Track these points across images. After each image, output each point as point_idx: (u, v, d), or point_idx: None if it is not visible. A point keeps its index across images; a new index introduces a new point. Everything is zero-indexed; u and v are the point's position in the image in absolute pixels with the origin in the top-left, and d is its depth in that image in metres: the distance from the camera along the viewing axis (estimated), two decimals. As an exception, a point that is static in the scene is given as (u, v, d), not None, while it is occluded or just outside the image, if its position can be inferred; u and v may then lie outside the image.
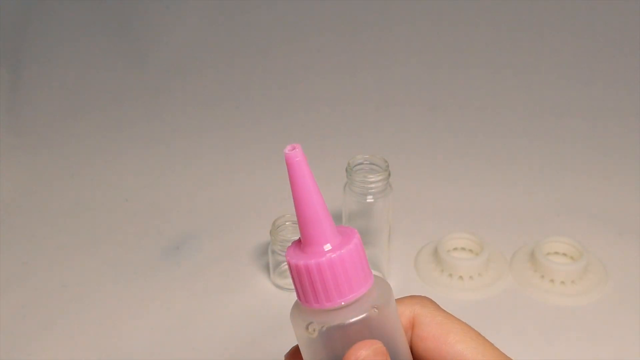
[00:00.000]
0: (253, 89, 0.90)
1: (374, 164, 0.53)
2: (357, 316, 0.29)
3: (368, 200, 0.52)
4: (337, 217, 0.63)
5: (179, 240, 0.63)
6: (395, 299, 0.31)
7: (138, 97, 0.89)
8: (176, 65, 0.94)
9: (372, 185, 0.51)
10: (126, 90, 0.90)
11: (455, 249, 0.60)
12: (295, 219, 0.57)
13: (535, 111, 0.83)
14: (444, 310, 0.32)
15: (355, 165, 0.52)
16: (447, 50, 0.93)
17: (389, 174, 0.52)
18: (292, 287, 0.62)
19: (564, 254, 0.59)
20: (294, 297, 0.57)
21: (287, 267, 0.58)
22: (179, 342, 0.52)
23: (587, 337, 0.52)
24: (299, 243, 0.31)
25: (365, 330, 0.29)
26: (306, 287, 0.30)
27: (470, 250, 0.59)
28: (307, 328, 0.30)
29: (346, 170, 0.52)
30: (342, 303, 0.29)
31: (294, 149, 0.29)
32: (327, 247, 0.29)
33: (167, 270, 0.60)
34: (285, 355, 0.33)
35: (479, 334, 0.31)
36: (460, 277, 0.57)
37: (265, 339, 0.52)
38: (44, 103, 0.87)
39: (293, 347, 0.32)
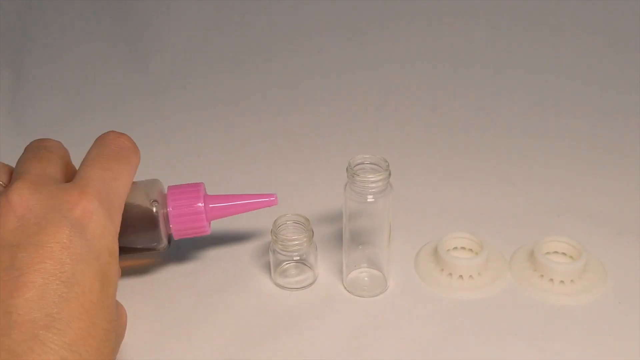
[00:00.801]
0: (253, 89, 0.90)
1: (374, 164, 0.53)
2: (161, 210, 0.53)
3: (369, 200, 0.52)
4: (337, 217, 0.63)
5: (180, 240, 0.63)
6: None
7: (139, 98, 0.89)
8: (177, 65, 0.94)
9: (373, 185, 0.51)
10: (127, 91, 0.90)
11: (455, 248, 0.60)
12: (296, 218, 0.57)
13: (535, 111, 0.83)
14: None
15: (355, 165, 0.52)
16: (447, 50, 0.93)
17: (389, 174, 0.52)
18: (293, 286, 0.62)
19: (564, 254, 0.59)
20: (294, 296, 0.58)
21: (287, 266, 0.58)
22: (178, 342, 0.53)
23: (586, 336, 0.52)
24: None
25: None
26: (183, 193, 0.55)
27: (470, 250, 0.59)
28: (151, 201, 0.53)
29: (346, 170, 0.52)
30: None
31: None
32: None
33: (168, 270, 0.60)
34: None
35: None
36: (460, 276, 0.57)
37: (265, 339, 0.52)
38: (45, 103, 0.87)
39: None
